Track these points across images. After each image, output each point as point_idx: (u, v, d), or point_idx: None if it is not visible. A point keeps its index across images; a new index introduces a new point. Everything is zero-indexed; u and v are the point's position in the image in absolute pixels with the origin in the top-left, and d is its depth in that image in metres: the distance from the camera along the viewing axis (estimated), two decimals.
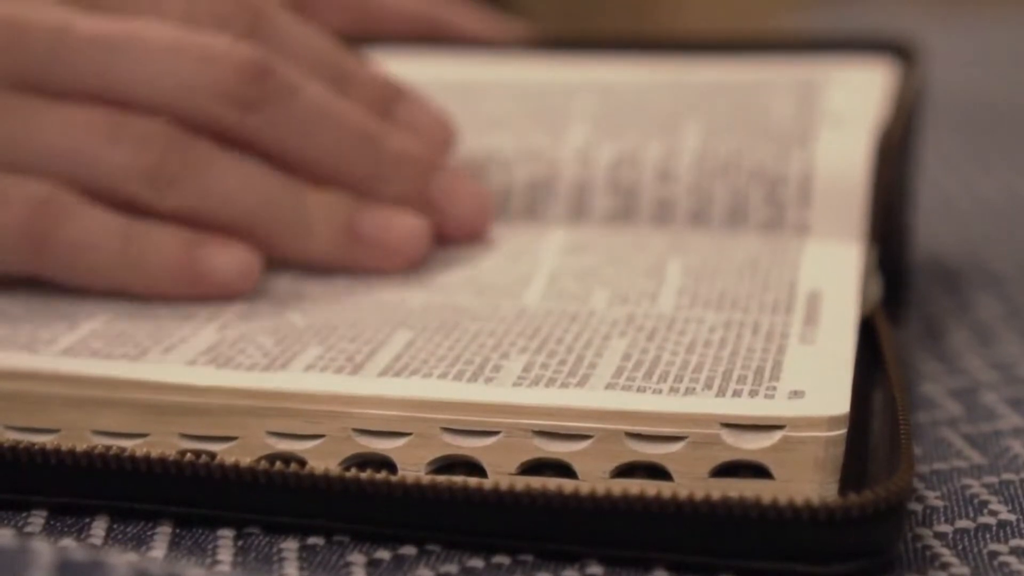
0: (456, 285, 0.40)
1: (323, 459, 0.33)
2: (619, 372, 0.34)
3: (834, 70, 0.49)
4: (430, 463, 0.33)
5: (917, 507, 0.34)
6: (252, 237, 0.40)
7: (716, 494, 0.31)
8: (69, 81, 0.39)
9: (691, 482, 0.32)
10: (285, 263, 0.41)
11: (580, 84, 0.50)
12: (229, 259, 0.40)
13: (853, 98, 0.47)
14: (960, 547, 0.33)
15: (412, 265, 0.41)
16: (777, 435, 0.32)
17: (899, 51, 0.49)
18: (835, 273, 0.40)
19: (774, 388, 0.33)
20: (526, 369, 0.34)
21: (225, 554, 0.32)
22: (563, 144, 0.46)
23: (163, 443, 0.34)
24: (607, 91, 0.50)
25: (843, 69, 0.49)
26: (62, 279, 0.39)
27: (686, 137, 0.45)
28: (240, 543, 0.33)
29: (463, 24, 0.58)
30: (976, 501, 0.35)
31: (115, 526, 0.33)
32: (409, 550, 0.32)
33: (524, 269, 0.41)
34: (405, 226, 0.41)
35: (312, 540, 0.33)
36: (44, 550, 0.29)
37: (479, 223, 0.42)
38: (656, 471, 0.32)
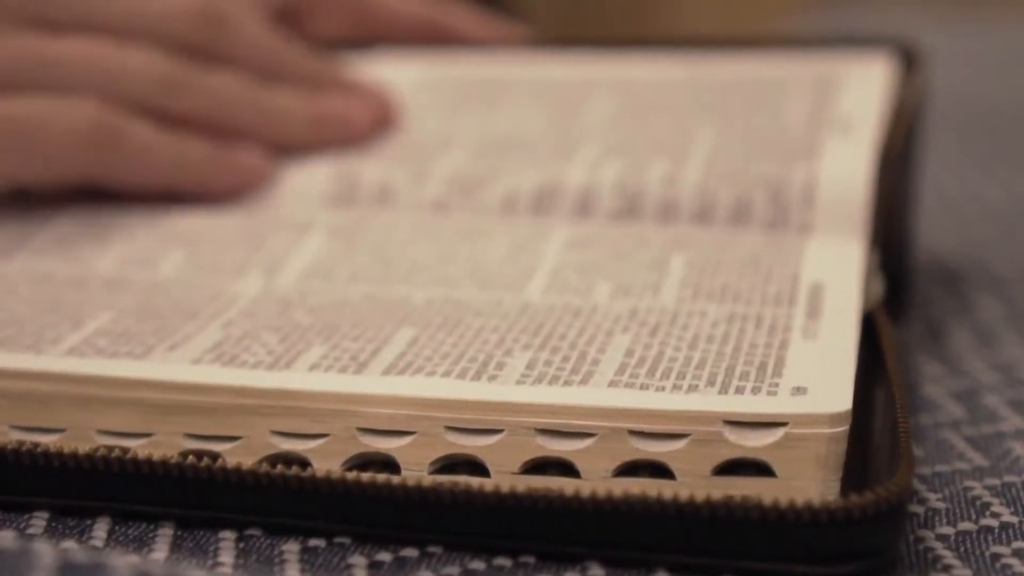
0: (459, 279, 0.40)
1: (327, 459, 0.33)
2: (622, 369, 0.34)
3: (845, 67, 0.49)
4: (433, 462, 0.33)
5: (919, 509, 0.34)
6: (250, 134, 0.47)
7: (717, 495, 0.31)
8: (66, 19, 0.46)
9: (693, 480, 0.32)
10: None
11: (596, 81, 0.50)
12: (246, 151, 0.47)
13: (863, 98, 0.47)
14: (962, 549, 0.33)
15: (373, 132, 0.48)
16: (780, 432, 0.32)
17: (902, 51, 0.50)
18: (837, 267, 0.40)
19: (777, 385, 0.33)
20: (529, 366, 0.34)
21: (227, 556, 0.32)
22: (572, 163, 0.46)
23: (167, 443, 0.34)
24: (623, 88, 0.50)
25: (852, 66, 0.49)
26: (121, 179, 0.45)
27: (694, 152, 0.46)
28: (241, 545, 0.33)
29: (464, 27, 0.58)
30: (978, 503, 0.35)
31: (117, 528, 0.33)
32: (410, 552, 0.32)
33: (527, 263, 0.41)
34: (360, 102, 0.49)
35: (313, 542, 0.33)
36: (46, 552, 0.29)
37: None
38: (658, 469, 0.32)
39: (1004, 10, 1.05)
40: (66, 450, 0.33)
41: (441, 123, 0.49)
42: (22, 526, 0.33)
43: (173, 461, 0.33)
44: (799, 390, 0.33)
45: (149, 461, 0.33)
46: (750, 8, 1.37)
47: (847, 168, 0.44)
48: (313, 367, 0.35)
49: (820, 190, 0.43)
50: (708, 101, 0.49)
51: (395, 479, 0.32)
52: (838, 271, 0.39)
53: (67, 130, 0.44)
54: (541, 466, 0.33)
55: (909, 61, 0.49)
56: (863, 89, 0.48)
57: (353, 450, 0.33)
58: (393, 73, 0.52)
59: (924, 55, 0.49)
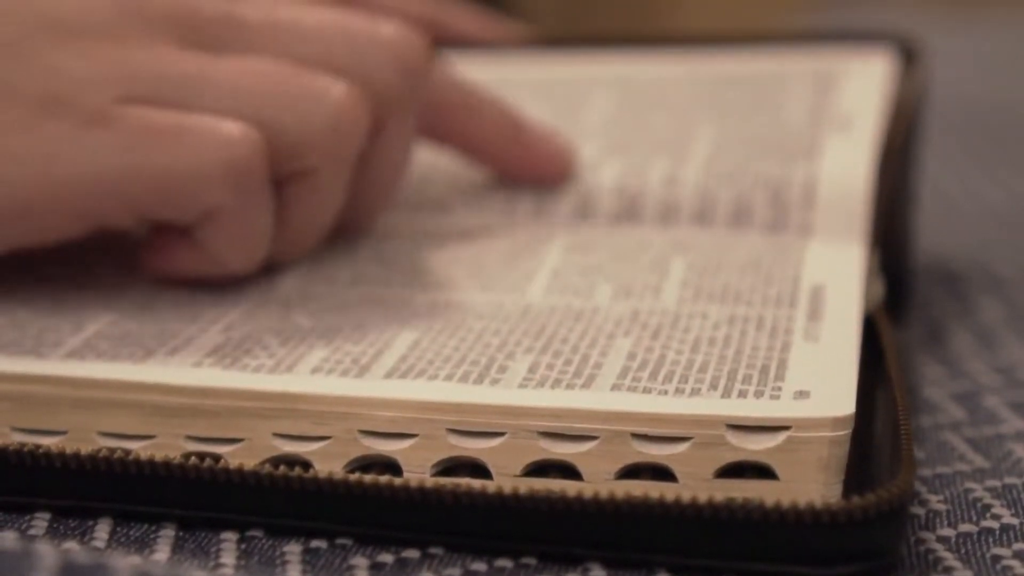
0: (460, 282, 0.40)
1: (329, 461, 0.33)
2: (624, 372, 0.34)
3: (844, 64, 0.49)
4: (435, 464, 0.33)
5: (920, 511, 0.34)
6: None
7: (719, 497, 0.31)
8: (239, 49, 0.40)
9: (696, 483, 0.32)
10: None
11: (595, 79, 0.50)
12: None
13: (863, 94, 0.47)
14: (963, 551, 0.33)
15: (561, 178, 0.45)
16: (782, 436, 0.32)
17: (901, 48, 0.50)
18: (838, 268, 0.40)
19: (779, 388, 0.33)
20: (531, 370, 0.34)
21: (228, 557, 0.32)
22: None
23: (169, 445, 0.34)
24: (623, 86, 0.50)
25: (852, 63, 0.49)
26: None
27: (695, 150, 0.46)
28: (243, 546, 0.33)
29: (463, 26, 0.58)
30: (979, 505, 0.35)
31: (118, 529, 0.33)
32: (412, 553, 0.32)
33: (528, 265, 0.41)
34: (556, 140, 0.46)
35: (315, 543, 0.33)
36: (47, 553, 0.29)
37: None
38: (660, 472, 0.32)
39: (1005, 10, 1.05)
40: (68, 451, 0.33)
41: None
42: (24, 527, 0.33)
43: (175, 462, 0.33)
44: (802, 394, 0.33)
45: (151, 462, 0.33)
46: (751, 8, 1.37)
47: (847, 166, 0.44)
48: (315, 370, 0.35)
49: (820, 189, 0.43)
50: (708, 98, 0.49)
51: (397, 480, 0.32)
52: (839, 273, 0.39)
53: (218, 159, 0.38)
54: (543, 468, 0.33)
55: (909, 57, 0.49)
56: (863, 86, 0.48)
57: (355, 452, 0.33)
58: None
59: (924, 51, 0.49)
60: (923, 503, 0.35)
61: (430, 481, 0.32)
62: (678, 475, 0.32)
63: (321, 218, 0.40)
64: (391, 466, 0.33)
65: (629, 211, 0.44)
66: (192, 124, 0.38)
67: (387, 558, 0.32)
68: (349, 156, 0.40)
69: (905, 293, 0.47)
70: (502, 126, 0.45)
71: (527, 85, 0.51)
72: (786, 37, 0.52)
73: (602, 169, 0.45)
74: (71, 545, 0.32)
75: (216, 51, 0.39)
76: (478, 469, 0.33)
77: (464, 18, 0.58)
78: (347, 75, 0.40)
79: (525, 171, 0.45)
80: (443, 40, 0.56)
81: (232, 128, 0.38)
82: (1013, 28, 0.93)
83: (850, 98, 0.47)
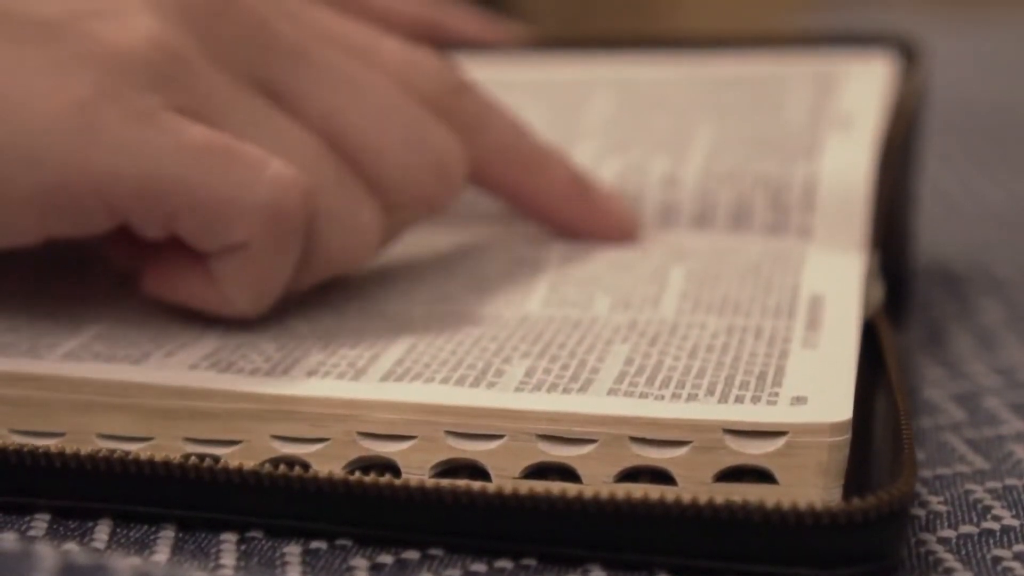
0: (458, 293, 0.40)
1: (327, 463, 0.33)
2: (621, 377, 0.34)
3: (845, 65, 0.49)
4: (434, 467, 0.33)
5: (920, 512, 0.34)
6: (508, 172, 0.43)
7: (719, 498, 0.31)
8: (299, 96, 0.39)
9: (695, 487, 0.32)
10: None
11: (595, 80, 0.50)
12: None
13: (863, 95, 0.47)
14: (963, 552, 0.33)
15: (627, 240, 0.43)
16: (780, 441, 0.32)
17: (902, 49, 0.50)
18: (837, 278, 0.40)
19: (776, 394, 0.33)
20: (528, 374, 0.34)
21: (228, 558, 0.32)
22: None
23: (168, 446, 0.34)
24: (623, 86, 0.50)
25: (852, 64, 0.49)
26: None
27: (694, 149, 0.46)
28: (243, 547, 0.33)
29: (463, 27, 0.58)
30: (979, 506, 0.35)
31: (118, 530, 0.33)
32: (412, 554, 0.32)
33: (526, 277, 0.41)
34: (622, 200, 0.44)
35: (315, 544, 0.33)
36: (47, 554, 0.29)
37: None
38: (660, 475, 0.32)
39: (1006, 11, 1.05)
40: (67, 451, 0.33)
41: None
42: (23, 528, 0.33)
43: (175, 462, 0.33)
44: (799, 399, 0.33)
45: (150, 462, 0.33)
46: (750, 9, 1.37)
47: (847, 166, 0.44)
48: (311, 373, 0.35)
49: (820, 191, 0.43)
50: (708, 99, 0.49)
51: (397, 481, 0.32)
52: (838, 282, 0.39)
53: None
54: (542, 471, 0.33)
55: (909, 58, 0.49)
56: (863, 86, 0.48)
57: (354, 454, 0.33)
58: None
59: (924, 52, 0.49)
60: (923, 504, 0.35)
61: (430, 481, 0.32)
62: (677, 479, 0.32)
63: (258, 289, 0.38)
64: (390, 468, 0.33)
65: None
66: (248, 152, 0.36)
67: (387, 559, 0.32)
68: (285, 237, 0.37)
69: (905, 294, 0.47)
70: (568, 184, 0.43)
71: (527, 86, 0.51)
72: (786, 38, 0.52)
73: (601, 169, 0.45)
74: (71, 546, 0.32)
75: (277, 88, 0.38)
76: (477, 471, 0.33)
77: (464, 19, 0.58)
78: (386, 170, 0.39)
79: (590, 231, 0.43)
80: (443, 41, 0.56)
81: (285, 169, 0.36)
82: (1013, 29, 0.93)
83: (850, 99, 0.47)
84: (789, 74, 0.50)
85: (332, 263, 0.38)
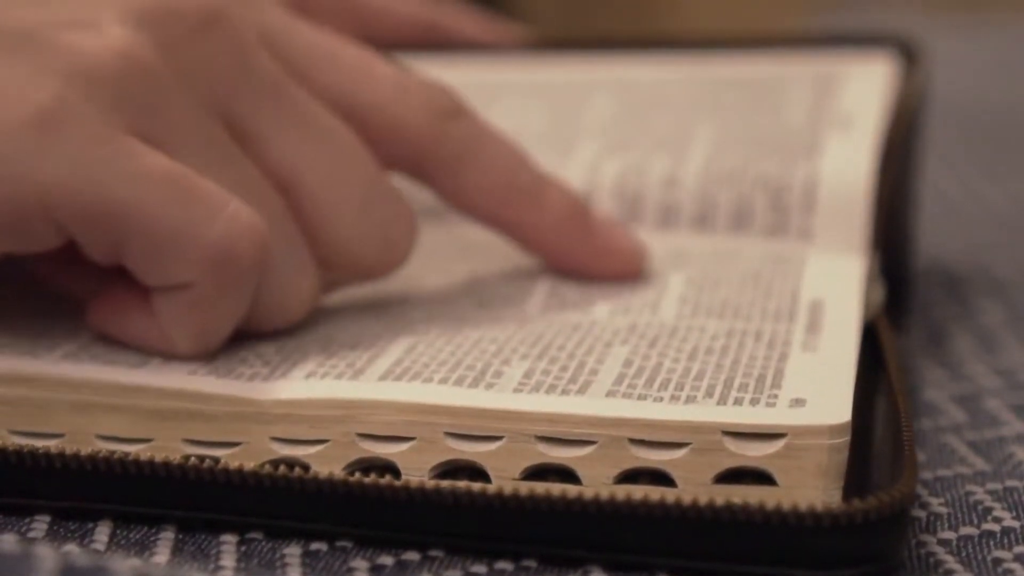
0: (457, 295, 0.40)
1: (327, 464, 0.33)
2: (620, 379, 0.34)
3: (846, 65, 0.49)
4: (434, 468, 0.33)
5: (921, 514, 0.34)
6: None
7: (720, 500, 0.31)
8: (263, 138, 0.37)
9: (695, 488, 0.32)
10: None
11: (595, 81, 0.50)
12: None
13: (864, 96, 0.47)
14: (964, 554, 0.33)
15: (630, 275, 0.41)
16: (780, 443, 0.32)
17: (903, 49, 0.50)
18: (837, 282, 0.40)
19: (775, 396, 0.33)
20: (527, 375, 0.34)
21: (228, 559, 0.32)
22: (571, 160, 0.46)
23: (167, 448, 0.34)
24: (623, 87, 0.50)
25: (853, 64, 0.49)
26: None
27: (694, 149, 0.46)
28: (243, 548, 0.33)
29: (462, 28, 0.58)
30: (980, 508, 0.35)
31: (118, 531, 0.33)
32: (412, 555, 0.32)
33: (525, 279, 0.41)
34: (630, 234, 0.41)
35: (315, 545, 0.33)
36: (47, 555, 0.29)
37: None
38: (660, 477, 0.32)
39: (1007, 13, 1.05)
40: (68, 452, 0.33)
41: None
42: (23, 529, 0.33)
43: (175, 463, 0.33)
44: (798, 401, 0.33)
45: (151, 463, 0.33)
46: (751, 10, 1.37)
47: (848, 167, 0.44)
48: (309, 375, 0.35)
49: (820, 192, 0.43)
50: (708, 99, 0.49)
51: (397, 482, 0.32)
52: (838, 285, 0.39)
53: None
54: (542, 472, 0.33)
55: (910, 60, 0.49)
56: (864, 87, 0.48)
57: (353, 455, 0.33)
58: None
59: (925, 53, 0.49)
60: (924, 506, 0.35)
61: (430, 483, 0.32)
62: (677, 480, 0.32)
63: (200, 332, 0.36)
64: (390, 469, 0.33)
65: (629, 214, 0.44)
66: (205, 189, 0.35)
67: (387, 560, 0.32)
68: (233, 282, 0.36)
69: (906, 296, 0.46)
70: (568, 218, 0.41)
71: (527, 87, 0.51)
72: (786, 39, 0.52)
73: (602, 169, 0.45)
74: (71, 547, 0.32)
75: (242, 126, 0.37)
76: (477, 473, 0.33)
77: (464, 20, 0.58)
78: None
79: (590, 269, 0.41)
80: (443, 42, 0.56)
81: (243, 212, 0.35)
82: (1014, 30, 0.93)
83: (851, 100, 0.47)
84: (789, 75, 0.50)
85: (260, 321, 0.37)
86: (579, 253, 0.41)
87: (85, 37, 0.35)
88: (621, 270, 0.41)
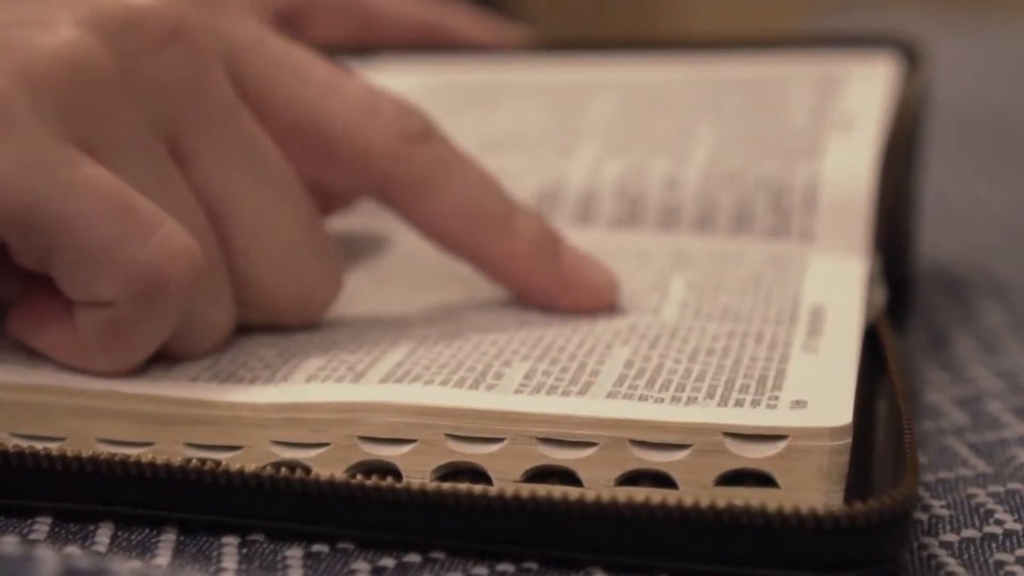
0: (457, 298, 0.40)
1: (329, 467, 0.33)
2: (621, 380, 0.34)
3: (847, 65, 0.49)
4: (435, 470, 0.33)
5: (923, 516, 0.34)
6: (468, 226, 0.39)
7: (721, 502, 0.31)
8: (203, 166, 0.36)
9: (696, 490, 0.32)
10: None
11: (597, 82, 0.50)
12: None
13: (865, 97, 0.47)
14: (966, 556, 0.33)
15: (599, 308, 0.39)
16: (781, 444, 0.32)
17: (904, 51, 0.50)
18: (838, 287, 0.39)
19: (776, 398, 0.33)
20: (528, 376, 0.34)
21: (229, 561, 0.32)
22: (573, 161, 0.46)
23: (168, 451, 0.34)
24: (625, 88, 0.50)
25: (855, 65, 0.49)
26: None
27: (696, 149, 0.46)
28: (244, 550, 0.33)
29: (465, 30, 0.58)
30: (982, 510, 0.35)
31: (120, 533, 0.33)
32: (413, 557, 0.32)
33: None
34: (600, 266, 0.40)
35: (316, 547, 0.33)
36: (48, 557, 0.29)
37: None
38: (661, 479, 0.32)
39: (1008, 14, 1.05)
40: (69, 454, 0.33)
41: (442, 125, 0.49)
42: (25, 531, 0.33)
43: (176, 465, 0.33)
44: (799, 403, 0.33)
45: (152, 465, 0.33)
46: (753, 11, 1.37)
47: (849, 168, 0.44)
48: (310, 378, 0.35)
49: (822, 193, 0.43)
50: (710, 100, 0.49)
51: (398, 484, 0.32)
52: (839, 290, 0.39)
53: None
54: (543, 474, 0.33)
55: (912, 61, 0.49)
56: (866, 88, 0.48)
57: (355, 458, 0.33)
58: (393, 80, 0.52)
59: (926, 54, 0.49)
60: (926, 508, 0.35)
61: (431, 485, 0.32)
62: (678, 482, 0.32)
63: (120, 351, 0.35)
64: (391, 472, 0.33)
65: (630, 215, 0.44)
66: (142, 207, 0.34)
67: (388, 562, 0.32)
68: (157, 306, 0.35)
69: (907, 298, 0.46)
70: (536, 246, 0.39)
71: (529, 88, 0.51)
72: (788, 40, 0.52)
73: (603, 170, 0.45)
74: (72, 549, 0.32)
75: (184, 149, 0.36)
76: (479, 475, 0.33)
77: (466, 21, 0.58)
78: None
79: (558, 298, 0.39)
80: (446, 44, 0.56)
81: (177, 235, 0.34)
82: (1015, 31, 0.93)
83: (853, 101, 0.47)
84: (791, 76, 0.50)
85: (167, 347, 0.36)
86: (546, 284, 0.39)
87: (39, 37, 0.34)
88: (589, 303, 0.39)
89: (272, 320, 0.38)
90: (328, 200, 0.42)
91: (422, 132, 0.39)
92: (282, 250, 0.37)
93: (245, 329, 0.38)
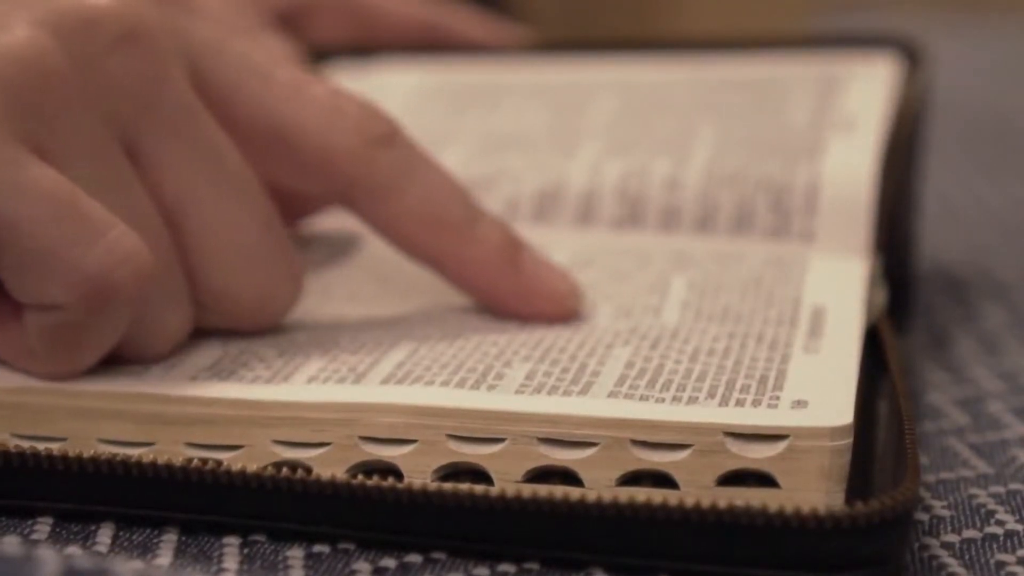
0: (458, 299, 0.40)
1: (330, 467, 0.33)
2: (622, 380, 0.34)
3: (849, 66, 0.49)
4: (436, 470, 0.33)
5: (924, 517, 0.34)
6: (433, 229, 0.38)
7: (722, 502, 0.31)
8: (159, 167, 0.36)
9: (697, 491, 0.32)
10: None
11: (598, 83, 0.50)
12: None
13: (866, 97, 0.47)
14: (967, 557, 0.33)
15: (560, 318, 0.38)
16: (782, 444, 0.32)
17: (905, 51, 0.50)
18: (839, 288, 0.39)
19: (777, 398, 0.33)
20: (529, 377, 0.34)
21: (231, 562, 0.32)
22: (574, 161, 0.46)
23: (169, 451, 0.34)
24: (625, 89, 0.50)
25: (856, 66, 0.49)
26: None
27: (696, 150, 0.46)
28: (246, 551, 0.33)
29: (466, 30, 0.58)
30: (983, 511, 0.35)
31: (121, 533, 0.33)
32: (414, 558, 0.32)
33: None
34: (563, 275, 0.39)
35: (318, 548, 0.33)
36: (50, 558, 0.29)
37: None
38: (662, 479, 0.32)
39: (1010, 15, 1.05)
40: (70, 454, 0.33)
41: (442, 125, 0.49)
42: (26, 532, 0.33)
43: (177, 465, 0.33)
44: (799, 403, 0.33)
45: (153, 465, 0.33)
46: (754, 12, 1.37)
47: (850, 169, 0.44)
48: (311, 379, 0.35)
49: (822, 194, 0.43)
50: (711, 100, 0.49)
51: (399, 484, 0.32)
52: (840, 292, 0.39)
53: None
54: (544, 475, 0.33)
55: (913, 61, 0.49)
56: (867, 89, 0.48)
57: (356, 458, 0.33)
58: (394, 80, 0.52)
59: (928, 55, 0.49)
60: (927, 509, 0.35)
61: (432, 485, 0.32)
62: (679, 482, 0.32)
63: (68, 355, 0.35)
64: (392, 472, 0.33)
65: (631, 216, 0.44)
66: (91, 211, 0.34)
67: (390, 563, 0.32)
68: (106, 311, 0.34)
69: (908, 299, 0.46)
70: (498, 253, 0.39)
71: (529, 88, 0.51)
72: (789, 40, 0.52)
73: (604, 171, 0.45)
74: (73, 550, 0.32)
75: (140, 152, 0.36)
76: (480, 475, 0.33)
77: (467, 21, 0.58)
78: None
79: (518, 307, 0.38)
80: (447, 44, 0.56)
81: (126, 239, 0.34)
82: (1017, 32, 0.93)
83: (853, 101, 0.47)
84: (792, 76, 0.50)
85: (122, 350, 0.36)
86: (507, 292, 0.39)
87: None
88: (550, 312, 0.38)
89: (231, 323, 0.37)
90: (299, 205, 0.42)
91: (386, 136, 0.38)
92: (240, 253, 0.37)
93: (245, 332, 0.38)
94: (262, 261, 0.37)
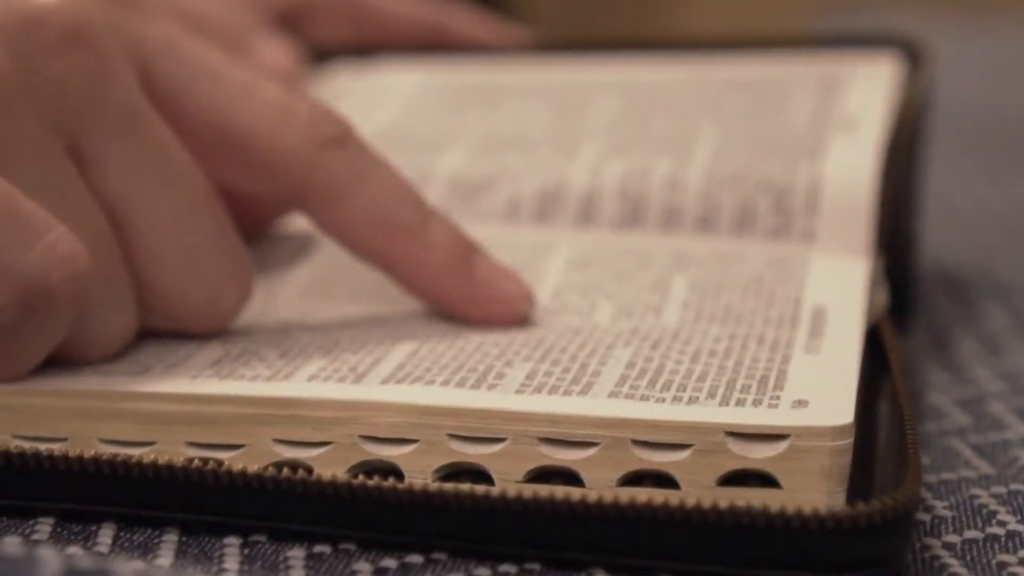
0: None
1: (330, 466, 0.33)
2: (622, 380, 0.34)
3: (850, 66, 0.49)
4: (437, 470, 0.33)
5: (925, 517, 0.34)
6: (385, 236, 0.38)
7: (723, 502, 0.31)
8: (104, 170, 0.36)
9: (698, 491, 0.32)
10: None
11: (599, 83, 0.50)
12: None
13: (868, 97, 0.47)
14: (969, 558, 0.33)
15: (511, 321, 0.38)
16: (783, 444, 0.32)
17: (907, 51, 0.50)
18: (841, 289, 0.39)
19: (778, 397, 0.33)
20: (529, 377, 0.34)
21: (231, 562, 0.32)
22: (575, 161, 0.46)
23: (170, 451, 0.34)
24: (627, 89, 0.50)
25: (857, 66, 0.49)
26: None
27: (697, 150, 0.46)
28: (246, 551, 0.33)
29: (467, 30, 0.58)
30: (985, 511, 0.35)
31: (122, 533, 0.33)
32: (415, 558, 0.32)
33: (527, 283, 0.41)
34: (515, 279, 0.39)
35: (318, 548, 0.33)
36: (51, 558, 0.29)
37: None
38: (663, 479, 0.32)
39: (1012, 15, 1.05)
40: (71, 454, 0.33)
41: (443, 124, 0.49)
42: (27, 532, 0.33)
43: (178, 465, 0.33)
44: (800, 403, 0.33)
45: (154, 465, 0.33)
46: (755, 12, 1.37)
47: (851, 169, 0.44)
48: (312, 378, 0.35)
49: (824, 194, 0.43)
50: (712, 101, 0.49)
51: (400, 484, 0.32)
52: (841, 292, 0.39)
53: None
54: (545, 475, 0.33)
55: (914, 61, 0.49)
56: (868, 89, 0.48)
57: (356, 458, 0.33)
58: (394, 80, 0.52)
59: (929, 55, 0.49)
60: (928, 509, 0.35)
61: (433, 485, 0.32)
62: (680, 482, 0.32)
63: (6, 359, 0.35)
64: (393, 472, 0.33)
65: (632, 216, 0.44)
66: (28, 211, 0.33)
67: (391, 563, 0.32)
68: (42, 314, 0.34)
69: (909, 299, 0.46)
70: (447, 255, 0.38)
71: (530, 89, 0.51)
72: (790, 40, 0.52)
73: (605, 171, 0.45)
74: (74, 550, 0.32)
75: (84, 153, 0.35)
76: (481, 476, 0.33)
77: (468, 22, 0.58)
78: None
79: (469, 311, 0.38)
80: (447, 44, 0.56)
81: (64, 240, 0.33)
82: (1018, 32, 0.93)
83: (855, 101, 0.47)
84: (793, 76, 0.50)
85: (65, 352, 0.36)
86: (457, 296, 0.38)
87: None
88: (501, 316, 0.38)
89: (177, 325, 0.37)
90: (257, 209, 0.41)
91: (337, 138, 0.38)
92: (187, 254, 0.36)
93: (248, 331, 0.38)
94: (209, 263, 0.37)
